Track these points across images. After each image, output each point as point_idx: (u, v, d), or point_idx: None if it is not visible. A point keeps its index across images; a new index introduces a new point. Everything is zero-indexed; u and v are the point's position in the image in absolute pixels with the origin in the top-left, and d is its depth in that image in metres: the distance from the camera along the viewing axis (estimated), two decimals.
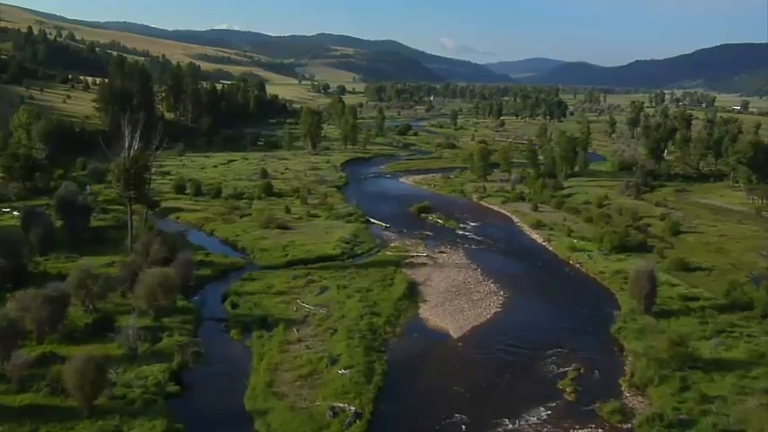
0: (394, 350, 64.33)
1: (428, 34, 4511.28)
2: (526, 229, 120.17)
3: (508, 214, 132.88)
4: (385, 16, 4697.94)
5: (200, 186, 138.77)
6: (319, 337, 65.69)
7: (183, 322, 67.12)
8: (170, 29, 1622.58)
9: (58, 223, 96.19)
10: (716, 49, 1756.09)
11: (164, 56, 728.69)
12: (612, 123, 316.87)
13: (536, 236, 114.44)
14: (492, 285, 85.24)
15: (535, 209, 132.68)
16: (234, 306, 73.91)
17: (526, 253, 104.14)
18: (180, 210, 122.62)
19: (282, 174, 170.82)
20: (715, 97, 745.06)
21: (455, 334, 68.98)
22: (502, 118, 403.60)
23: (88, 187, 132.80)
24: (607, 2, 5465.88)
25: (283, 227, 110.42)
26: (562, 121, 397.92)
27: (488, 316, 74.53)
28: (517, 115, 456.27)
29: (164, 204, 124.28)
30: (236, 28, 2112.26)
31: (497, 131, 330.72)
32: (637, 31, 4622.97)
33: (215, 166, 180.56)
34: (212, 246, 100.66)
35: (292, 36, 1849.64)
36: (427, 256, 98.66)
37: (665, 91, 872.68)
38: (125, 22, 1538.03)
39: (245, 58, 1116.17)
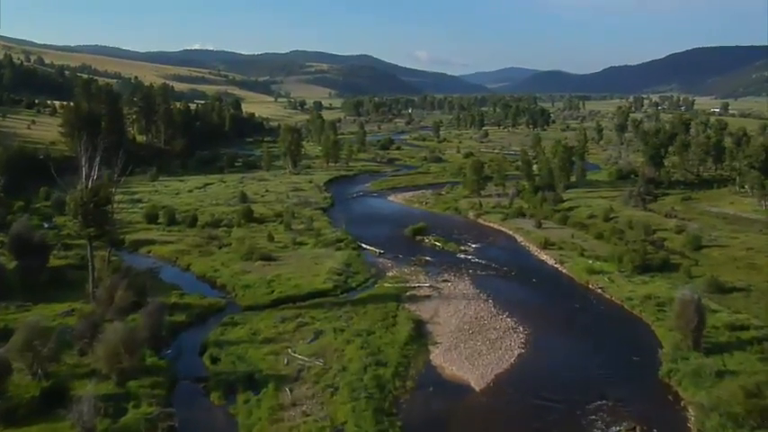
0: (408, 411, 53.65)
1: (402, 47, 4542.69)
2: (533, 249, 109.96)
3: (510, 233, 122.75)
4: (358, 31, 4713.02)
5: (174, 214, 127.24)
6: (318, 399, 54.74)
7: (152, 386, 55.86)
8: (142, 50, 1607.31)
9: (12, 264, 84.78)
10: (688, 53, 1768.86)
11: (136, 77, 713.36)
12: (600, 130, 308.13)
13: (546, 257, 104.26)
14: (509, 320, 74.80)
15: (539, 225, 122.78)
16: (214, 360, 62.70)
17: (539, 278, 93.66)
18: (152, 242, 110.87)
19: (263, 196, 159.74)
20: (694, 100, 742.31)
21: (477, 385, 58.35)
22: (485, 128, 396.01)
23: (51, 220, 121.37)
24: (579, 10, 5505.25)
25: (267, 258, 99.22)
26: (545, 130, 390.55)
27: (512, 360, 63.96)
28: (499, 125, 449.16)
29: (134, 236, 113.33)
30: (209, 47, 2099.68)
31: (482, 142, 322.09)
32: (609, 38, 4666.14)
33: (190, 191, 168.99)
34: (188, 283, 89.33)
35: (266, 54, 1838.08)
36: (430, 286, 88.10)
37: (643, 96, 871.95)
38: (96, 46, 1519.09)
39: (219, 77, 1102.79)
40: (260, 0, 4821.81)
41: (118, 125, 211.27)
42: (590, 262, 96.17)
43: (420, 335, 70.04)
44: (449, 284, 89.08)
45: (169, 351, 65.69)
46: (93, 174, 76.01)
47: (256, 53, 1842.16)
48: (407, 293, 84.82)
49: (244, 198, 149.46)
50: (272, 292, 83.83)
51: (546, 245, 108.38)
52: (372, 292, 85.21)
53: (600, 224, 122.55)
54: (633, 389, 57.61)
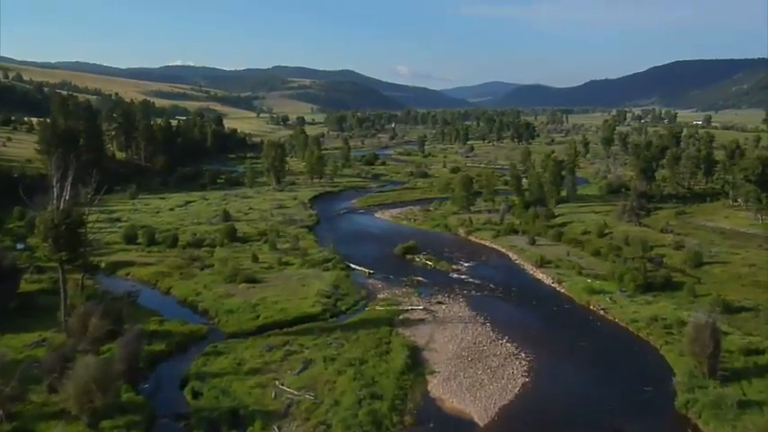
0: None
1: (384, 62, 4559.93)
2: (528, 267, 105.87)
3: (503, 250, 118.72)
4: (340, 46, 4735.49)
5: (154, 234, 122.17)
6: None
7: (128, 426, 51.12)
8: (123, 67, 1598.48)
9: None
10: (668, 66, 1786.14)
11: (116, 93, 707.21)
12: (586, 143, 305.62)
13: (542, 276, 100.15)
14: (509, 345, 70.59)
15: (532, 242, 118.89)
16: (196, 395, 57.89)
17: (537, 298, 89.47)
18: (130, 264, 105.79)
19: (246, 214, 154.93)
20: (676, 113, 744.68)
21: (481, 420, 54.01)
22: (470, 143, 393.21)
23: (24, 241, 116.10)
24: (560, 24, 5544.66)
25: (252, 280, 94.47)
26: (531, 143, 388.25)
27: (516, 390, 59.65)
28: (484, 139, 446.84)
29: (112, 258, 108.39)
30: (191, 63, 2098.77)
31: (468, 157, 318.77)
32: (590, 52, 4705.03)
33: (171, 209, 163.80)
34: (168, 308, 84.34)
35: (248, 69, 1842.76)
36: (424, 308, 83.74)
37: (625, 109, 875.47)
38: (77, 62, 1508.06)
39: (201, 93, 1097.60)
40: (241, 16, 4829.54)
41: (96, 142, 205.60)
42: (589, 281, 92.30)
43: (416, 363, 65.62)
44: (443, 307, 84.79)
45: (147, 385, 60.87)
46: (65, 193, 71.07)
47: (238, 69, 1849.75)
48: (400, 317, 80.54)
49: (226, 216, 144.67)
50: (258, 317, 79.21)
51: (542, 263, 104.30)
52: (363, 316, 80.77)
53: (595, 240, 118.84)
54: (649, 422, 53.57)
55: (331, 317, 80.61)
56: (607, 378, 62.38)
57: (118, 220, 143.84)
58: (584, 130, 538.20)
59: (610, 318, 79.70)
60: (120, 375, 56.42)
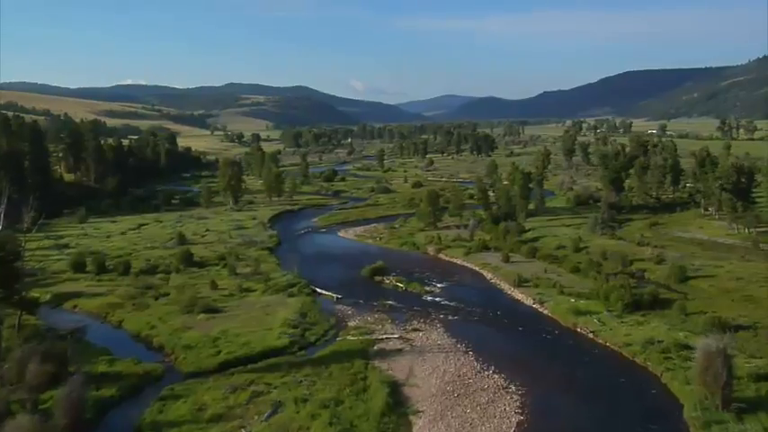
0: None
1: (338, 78, 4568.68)
2: (505, 287, 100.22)
3: (477, 269, 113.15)
4: (293, 63, 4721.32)
5: (105, 261, 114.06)
6: None
7: None
8: (72, 87, 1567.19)
9: None
10: (620, 77, 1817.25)
11: (66, 114, 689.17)
12: (547, 155, 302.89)
13: (521, 296, 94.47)
14: (497, 377, 64.55)
15: (506, 260, 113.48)
16: None
17: (519, 322, 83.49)
18: (78, 295, 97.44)
19: (203, 236, 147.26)
20: (632, 123, 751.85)
21: None
22: (429, 156, 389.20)
23: None
24: (513, 38, 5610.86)
25: (211, 310, 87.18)
26: (490, 156, 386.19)
27: (511, 431, 53.56)
28: (443, 153, 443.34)
29: (58, 289, 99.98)
30: (142, 82, 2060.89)
31: (428, 171, 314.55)
32: (543, 64, 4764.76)
33: (123, 233, 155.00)
34: (120, 345, 76.37)
35: (201, 87, 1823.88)
36: (400, 337, 77.46)
37: (577, 120, 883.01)
38: (23, 83, 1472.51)
39: (153, 112, 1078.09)
40: (193, 34, 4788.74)
41: (42, 163, 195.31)
42: (572, 300, 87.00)
43: (397, 402, 59.14)
44: (420, 334, 78.55)
45: None
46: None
47: (191, 87, 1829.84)
48: (375, 347, 74.18)
49: (182, 239, 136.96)
50: (219, 352, 71.94)
51: (519, 282, 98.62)
52: (335, 348, 74.01)
53: (572, 256, 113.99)
54: None
55: (299, 350, 73.85)
56: (608, 414, 56.44)
57: (66, 246, 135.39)
58: (541, 141, 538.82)
59: (600, 342, 74.12)
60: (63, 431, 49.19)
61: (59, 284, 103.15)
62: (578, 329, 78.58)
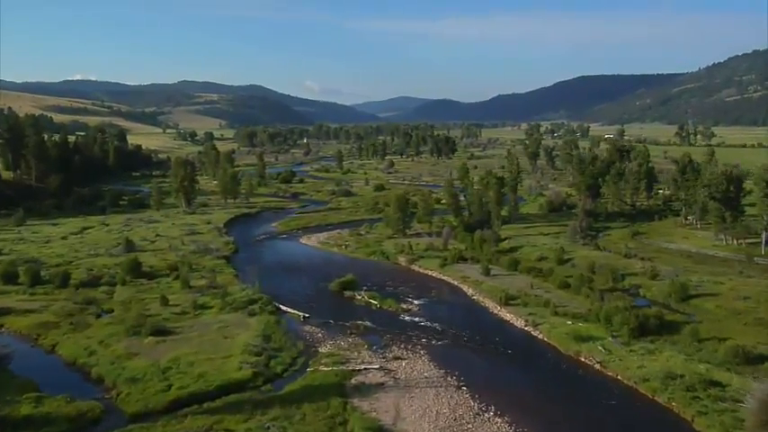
0: None
1: (293, 78, 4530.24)
2: (490, 305, 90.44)
3: (455, 283, 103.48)
4: (247, 62, 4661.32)
5: (40, 272, 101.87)
6: None
7: None
8: (18, 81, 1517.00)
9: None
10: (574, 81, 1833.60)
11: (9, 108, 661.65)
12: (516, 158, 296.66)
13: (510, 316, 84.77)
14: (500, 421, 54.60)
15: (486, 273, 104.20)
16: None
17: (513, 349, 73.44)
18: (7, 312, 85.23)
19: (153, 242, 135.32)
20: (589, 127, 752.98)
21: None
22: (388, 158, 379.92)
23: None
24: (467, 41, 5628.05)
25: (161, 331, 75.93)
26: (451, 158, 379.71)
27: None
28: (401, 154, 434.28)
29: None
30: (92, 78, 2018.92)
31: (389, 173, 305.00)
32: (498, 68, 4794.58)
33: (64, 238, 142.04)
34: (51, 376, 64.87)
35: (153, 84, 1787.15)
36: (380, 367, 67.14)
37: (534, 123, 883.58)
38: None
39: (103, 109, 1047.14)
40: (144, 31, 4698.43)
41: None
42: (569, 323, 77.87)
43: None
44: (403, 364, 68.30)
45: None
46: None
47: (143, 83, 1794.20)
48: (353, 381, 63.66)
49: (130, 246, 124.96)
50: (170, 387, 60.70)
51: (506, 300, 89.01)
52: (306, 382, 63.12)
53: (557, 269, 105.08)
54: None
55: (264, 383, 62.93)
56: None
57: None
58: (499, 144, 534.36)
59: (611, 374, 64.51)
60: None
61: None
62: (582, 359, 69.15)
